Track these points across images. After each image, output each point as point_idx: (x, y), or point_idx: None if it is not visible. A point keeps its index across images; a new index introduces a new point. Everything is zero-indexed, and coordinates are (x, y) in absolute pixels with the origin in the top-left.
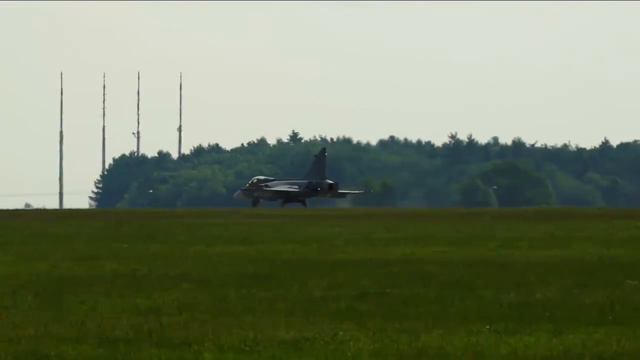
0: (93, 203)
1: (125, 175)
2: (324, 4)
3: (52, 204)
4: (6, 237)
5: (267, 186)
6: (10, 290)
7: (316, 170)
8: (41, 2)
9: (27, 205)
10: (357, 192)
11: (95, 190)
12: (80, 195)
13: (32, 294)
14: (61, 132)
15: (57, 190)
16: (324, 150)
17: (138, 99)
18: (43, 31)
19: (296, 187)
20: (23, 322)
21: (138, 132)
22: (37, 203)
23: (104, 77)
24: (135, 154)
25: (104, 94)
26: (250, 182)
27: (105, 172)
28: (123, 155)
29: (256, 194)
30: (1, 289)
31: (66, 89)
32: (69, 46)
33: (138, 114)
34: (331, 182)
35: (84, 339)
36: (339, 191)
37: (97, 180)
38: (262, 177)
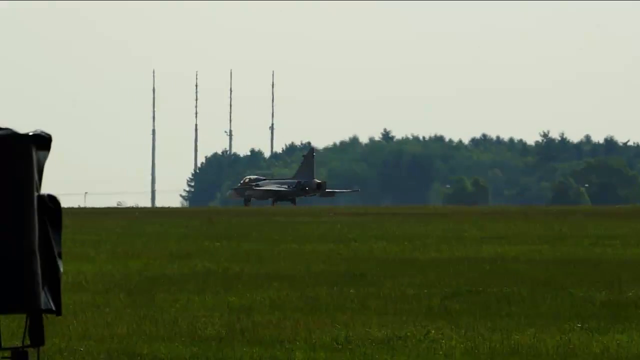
0: (185, 201)
1: (217, 174)
2: None
3: (144, 202)
4: (99, 235)
5: (257, 185)
6: (103, 289)
7: (305, 170)
8: (131, 1)
9: (119, 203)
10: (346, 190)
11: (187, 188)
12: (172, 193)
13: (124, 292)
14: (153, 130)
15: (149, 189)
16: (312, 150)
17: (230, 97)
18: (135, 29)
19: (285, 186)
20: (116, 321)
21: (230, 131)
22: (130, 201)
23: (196, 75)
24: (228, 153)
25: (196, 92)
26: (242, 182)
27: (197, 171)
28: (215, 154)
29: (247, 193)
30: (94, 287)
31: (158, 88)
32: (162, 44)
33: (230, 113)
34: (319, 181)
35: (176, 338)
36: (327, 190)
37: (189, 178)
38: (253, 177)
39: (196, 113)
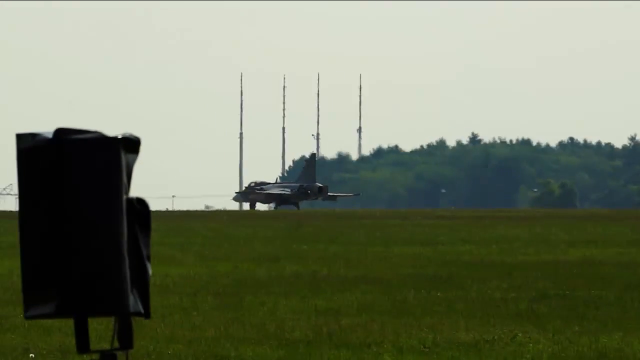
0: (272, 204)
1: None
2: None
3: (232, 205)
4: (187, 238)
5: (261, 189)
6: (191, 292)
7: (307, 175)
8: (219, 1)
9: (207, 207)
10: (348, 194)
11: None
12: None
13: (212, 295)
14: (241, 133)
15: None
16: (313, 155)
17: (318, 101)
18: (223, 32)
19: (288, 190)
20: (203, 324)
21: (318, 134)
22: (217, 204)
23: (284, 78)
24: (315, 156)
25: (284, 96)
26: (247, 186)
27: (285, 174)
28: (302, 157)
29: (251, 197)
30: (182, 290)
31: (246, 91)
32: (250, 47)
33: (318, 116)
34: (320, 185)
35: (264, 341)
36: (329, 194)
37: (277, 181)
38: (258, 181)
39: (284, 116)
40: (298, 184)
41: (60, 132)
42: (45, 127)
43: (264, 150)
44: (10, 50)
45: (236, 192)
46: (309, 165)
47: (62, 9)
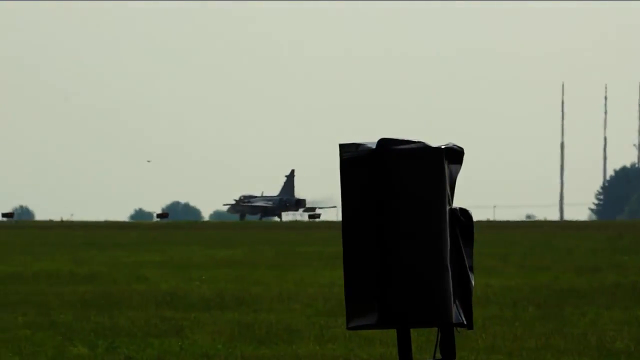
0: (593, 215)
1: (625, 187)
2: None
3: (553, 215)
4: (507, 248)
5: (249, 202)
6: (511, 302)
7: (287, 189)
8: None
9: (528, 216)
10: (327, 207)
11: (596, 201)
12: (581, 206)
13: (533, 306)
14: (562, 143)
15: (558, 202)
16: (292, 171)
17: (639, 110)
18: (544, 43)
19: (271, 202)
20: (524, 335)
21: (639, 143)
22: (539, 214)
23: (605, 88)
24: (636, 166)
25: (605, 105)
26: (237, 199)
27: (606, 184)
28: (623, 167)
29: (239, 209)
30: (502, 300)
31: (567, 101)
32: (570, 57)
33: (639, 125)
34: (299, 198)
35: (585, 352)
36: (308, 206)
37: (598, 191)
38: (247, 194)
39: (605, 126)
40: (279, 197)
41: (383, 142)
42: (369, 137)
43: (585, 161)
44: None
45: (229, 205)
46: (289, 180)
47: None
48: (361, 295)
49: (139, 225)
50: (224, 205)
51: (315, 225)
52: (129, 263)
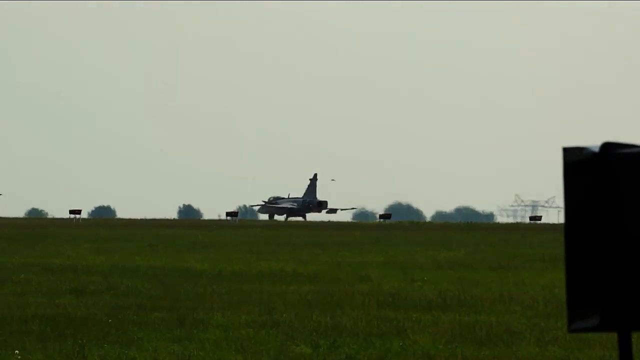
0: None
1: None
2: None
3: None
4: None
5: (276, 203)
6: None
7: (310, 191)
8: None
9: None
10: (347, 208)
11: None
12: None
13: None
14: None
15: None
16: (315, 175)
17: None
18: None
19: (296, 204)
20: None
21: None
22: None
23: None
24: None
25: None
26: (266, 200)
27: None
28: None
29: (267, 209)
30: None
31: None
32: None
33: None
34: (321, 200)
35: None
36: (330, 207)
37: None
38: (276, 196)
39: None
40: (302, 199)
41: (608, 146)
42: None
43: None
44: None
45: (259, 205)
46: (312, 183)
47: None
48: (583, 298)
49: (363, 226)
50: (252, 206)
51: (535, 227)
52: (353, 263)
